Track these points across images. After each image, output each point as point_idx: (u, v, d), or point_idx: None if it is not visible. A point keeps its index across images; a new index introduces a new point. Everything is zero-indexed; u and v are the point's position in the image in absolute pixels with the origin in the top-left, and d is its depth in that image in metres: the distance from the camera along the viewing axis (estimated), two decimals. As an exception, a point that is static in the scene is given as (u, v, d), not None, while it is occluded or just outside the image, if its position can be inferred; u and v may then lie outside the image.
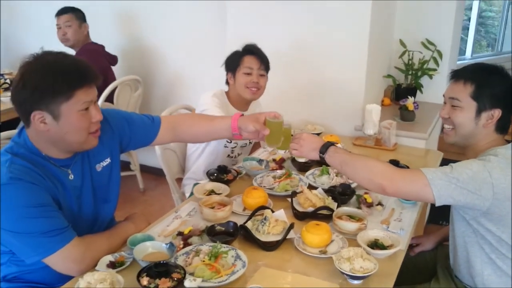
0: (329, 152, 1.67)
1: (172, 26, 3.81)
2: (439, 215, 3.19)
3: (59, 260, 1.43)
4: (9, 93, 3.59)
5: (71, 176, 1.55)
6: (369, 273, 1.41)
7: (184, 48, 3.82)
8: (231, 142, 2.42)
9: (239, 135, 1.80)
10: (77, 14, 3.63)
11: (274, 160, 2.35)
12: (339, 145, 2.44)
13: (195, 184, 2.36)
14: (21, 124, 1.50)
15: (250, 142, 2.61)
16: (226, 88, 2.54)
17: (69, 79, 1.40)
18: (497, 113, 1.60)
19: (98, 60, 3.53)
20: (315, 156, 1.71)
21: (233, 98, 2.49)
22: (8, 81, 3.76)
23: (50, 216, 1.42)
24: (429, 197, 1.47)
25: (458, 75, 1.66)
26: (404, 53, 3.20)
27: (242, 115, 1.82)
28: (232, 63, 2.45)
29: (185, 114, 2.34)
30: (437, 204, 1.49)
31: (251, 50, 2.44)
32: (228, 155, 2.53)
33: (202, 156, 2.49)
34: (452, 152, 3.04)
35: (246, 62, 2.41)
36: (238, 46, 2.47)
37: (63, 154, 1.54)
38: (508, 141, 1.64)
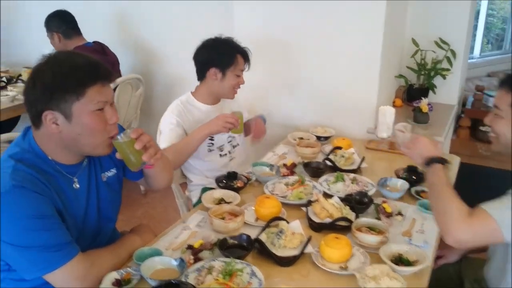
0: (432, 168, 1.56)
1: (175, 24, 3.69)
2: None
3: (62, 277, 1.32)
4: (5, 92, 3.49)
5: (76, 185, 1.45)
6: (398, 294, 1.31)
7: (186, 46, 3.65)
8: (212, 139, 2.32)
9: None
10: (46, 26, 3.42)
11: (284, 165, 2.23)
12: (352, 149, 2.36)
13: (203, 189, 2.25)
14: (25, 126, 1.42)
15: (234, 145, 2.47)
16: (194, 87, 2.38)
17: (79, 76, 1.32)
18: None
19: None
20: (420, 163, 1.63)
21: (205, 94, 2.34)
22: (4, 79, 3.64)
23: (53, 228, 1.32)
24: (499, 240, 1.35)
25: (503, 83, 1.57)
26: (416, 52, 3.10)
27: None
28: (223, 59, 2.26)
29: None
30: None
31: (243, 51, 2.30)
32: (220, 155, 2.39)
33: (191, 162, 2.35)
34: (466, 156, 2.97)
35: (240, 63, 2.28)
36: (246, 45, 2.35)
37: (71, 159, 1.44)
38: None
